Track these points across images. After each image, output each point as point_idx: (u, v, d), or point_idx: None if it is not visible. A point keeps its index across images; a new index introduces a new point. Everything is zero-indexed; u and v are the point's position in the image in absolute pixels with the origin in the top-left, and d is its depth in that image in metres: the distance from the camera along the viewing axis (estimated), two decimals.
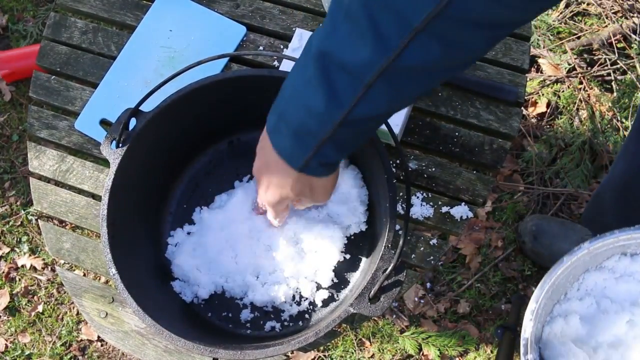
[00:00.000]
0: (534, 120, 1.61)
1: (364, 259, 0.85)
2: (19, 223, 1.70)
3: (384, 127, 0.71)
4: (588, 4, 1.70)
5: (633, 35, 1.62)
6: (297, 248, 0.84)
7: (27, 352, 1.58)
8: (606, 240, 0.71)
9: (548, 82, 1.63)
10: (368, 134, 0.62)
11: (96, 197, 0.99)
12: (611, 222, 1.18)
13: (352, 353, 1.49)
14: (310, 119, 0.56)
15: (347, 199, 0.84)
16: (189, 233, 0.87)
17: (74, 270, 1.42)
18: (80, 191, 1.00)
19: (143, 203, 0.85)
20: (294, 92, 0.57)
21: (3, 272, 1.65)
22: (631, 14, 1.65)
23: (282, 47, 1.00)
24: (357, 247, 0.85)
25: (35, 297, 1.63)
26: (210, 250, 0.85)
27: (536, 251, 1.44)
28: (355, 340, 1.50)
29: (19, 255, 1.67)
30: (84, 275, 1.43)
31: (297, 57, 0.75)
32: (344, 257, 0.84)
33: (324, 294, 0.83)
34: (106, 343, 1.57)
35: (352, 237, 0.85)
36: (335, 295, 0.84)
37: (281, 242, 0.83)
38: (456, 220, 0.90)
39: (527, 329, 0.70)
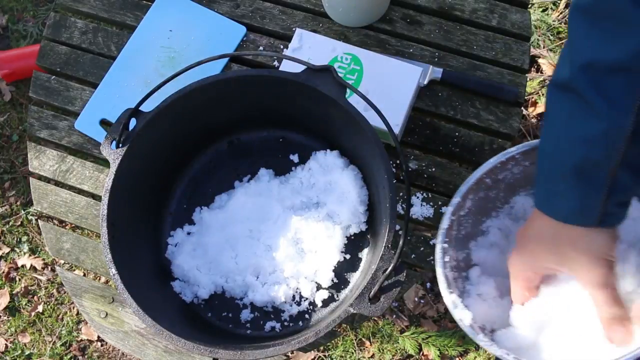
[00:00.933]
0: (534, 120, 1.61)
1: (364, 259, 0.85)
2: (19, 223, 1.70)
3: (383, 127, 0.71)
4: None
5: None
6: (297, 248, 0.84)
7: (27, 352, 1.58)
8: (533, 144, 0.68)
9: (548, 82, 1.63)
10: None
11: (96, 197, 0.99)
12: None
13: (352, 353, 1.49)
14: (592, 149, 0.46)
15: (347, 199, 0.84)
16: (189, 233, 0.87)
17: (74, 270, 1.42)
18: (80, 191, 1.00)
19: (143, 203, 0.85)
20: (558, 140, 0.48)
21: (3, 272, 1.65)
22: None
23: (282, 47, 1.00)
24: (357, 247, 0.85)
25: (35, 297, 1.63)
26: (210, 250, 0.85)
27: None
28: (355, 340, 1.50)
29: (19, 255, 1.67)
30: (84, 275, 1.43)
31: (297, 58, 0.76)
32: (344, 257, 0.84)
33: (324, 294, 0.83)
34: (106, 343, 1.57)
35: (352, 237, 0.85)
36: (335, 296, 0.84)
37: (281, 242, 0.83)
38: None
39: (445, 221, 0.69)
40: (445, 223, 0.70)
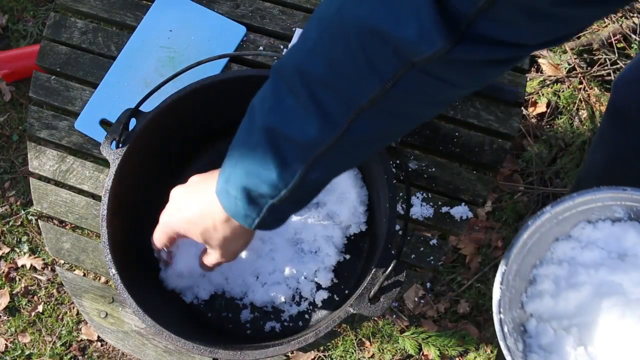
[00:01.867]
0: (534, 120, 1.61)
1: (363, 259, 0.85)
2: (19, 223, 1.70)
3: None
4: None
5: (633, 35, 1.62)
6: (296, 248, 0.84)
7: (27, 352, 1.58)
8: (566, 203, 0.72)
9: (548, 82, 1.63)
10: (322, 187, 0.59)
11: (96, 197, 0.99)
12: None
13: (352, 353, 1.49)
14: (262, 185, 0.54)
15: (347, 199, 0.84)
16: None
17: (74, 270, 1.42)
18: (80, 191, 1.00)
19: (143, 203, 0.85)
20: (246, 165, 0.55)
21: (3, 272, 1.65)
22: (631, 14, 1.65)
23: (282, 47, 1.00)
24: (357, 247, 0.85)
25: (35, 297, 1.63)
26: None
27: None
28: (355, 340, 1.50)
29: (19, 255, 1.67)
30: (84, 275, 1.43)
31: None
32: (344, 257, 0.84)
33: (323, 294, 0.83)
34: (106, 343, 1.57)
35: (352, 237, 0.85)
36: (335, 296, 0.84)
37: (281, 242, 0.83)
38: (456, 221, 0.90)
39: (496, 292, 0.71)
40: (497, 294, 0.71)
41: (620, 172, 0.99)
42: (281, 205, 0.56)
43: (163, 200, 0.90)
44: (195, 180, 0.67)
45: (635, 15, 1.65)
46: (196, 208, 0.63)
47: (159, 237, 0.70)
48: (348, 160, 0.55)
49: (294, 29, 1.00)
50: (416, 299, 1.50)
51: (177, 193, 0.67)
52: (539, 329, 0.74)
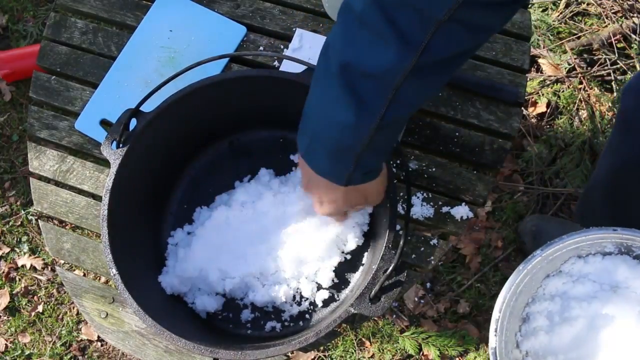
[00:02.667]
0: (534, 120, 1.61)
1: (364, 259, 0.85)
2: (19, 223, 1.70)
3: None
4: (588, 4, 1.70)
5: (633, 35, 1.62)
6: (297, 248, 0.84)
7: (27, 352, 1.58)
8: (556, 245, 0.73)
9: (548, 82, 1.63)
10: (401, 130, 0.62)
11: (96, 198, 0.99)
12: (601, 221, 1.18)
13: (352, 353, 1.49)
14: (344, 135, 0.55)
15: None
16: (189, 233, 0.87)
17: (74, 270, 1.42)
18: (80, 191, 1.00)
19: (143, 203, 0.85)
20: (321, 112, 0.56)
21: (3, 272, 1.65)
22: (631, 14, 1.65)
23: (282, 47, 1.00)
24: (357, 247, 0.85)
25: (35, 297, 1.63)
26: (210, 250, 0.85)
27: None
28: (356, 340, 1.50)
29: (19, 255, 1.67)
30: (84, 275, 1.43)
31: (297, 58, 0.76)
32: (345, 258, 0.84)
33: (324, 294, 0.83)
34: (106, 343, 1.57)
35: (353, 237, 0.85)
36: (335, 296, 0.84)
37: (282, 242, 0.83)
38: (456, 221, 0.90)
39: (492, 340, 0.72)
40: (492, 342, 0.72)
41: (626, 180, 0.99)
42: (365, 155, 0.56)
43: (163, 200, 0.90)
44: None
45: (635, 15, 1.65)
46: (303, 170, 0.67)
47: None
48: (425, 89, 0.54)
49: (294, 29, 1.00)
50: (416, 299, 1.50)
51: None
52: None
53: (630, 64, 1.60)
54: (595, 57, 1.64)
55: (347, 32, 0.51)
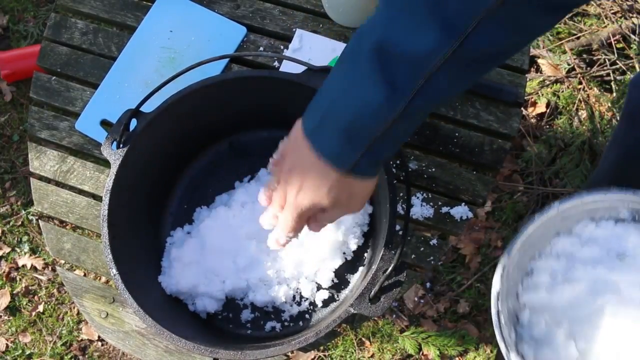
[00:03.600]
0: (533, 121, 1.61)
1: (364, 260, 0.85)
2: (20, 223, 1.70)
3: None
4: (587, 5, 1.70)
5: (632, 36, 1.62)
6: (297, 249, 0.84)
7: (28, 352, 1.59)
8: (574, 201, 0.73)
9: (548, 83, 1.63)
10: (418, 124, 0.58)
11: (97, 198, 0.99)
12: None
13: (352, 353, 1.49)
14: (366, 115, 0.52)
15: None
16: (189, 233, 0.87)
17: (75, 270, 1.42)
18: (80, 192, 1.00)
19: (144, 203, 0.85)
20: (343, 90, 0.54)
21: (4, 272, 1.66)
22: (630, 15, 1.65)
23: (282, 47, 1.00)
24: (357, 247, 0.85)
25: (36, 297, 1.64)
26: (210, 250, 0.85)
27: None
28: (355, 339, 1.50)
29: (19, 255, 1.67)
30: (85, 275, 1.43)
31: (297, 58, 0.76)
32: (345, 258, 0.84)
33: (324, 294, 0.84)
34: (106, 343, 1.58)
35: (353, 238, 0.85)
36: (335, 296, 0.84)
37: None
38: (456, 221, 0.90)
39: (496, 283, 0.72)
40: (496, 286, 0.72)
41: (631, 172, 0.99)
42: (380, 141, 0.54)
43: (163, 200, 0.90)
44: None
45: (634, 15, 1.65)
46: (291, 154, 0.62)
47: None
48: (455, 84, 0.53)
49: (294, 30, 1.00)
50: (416, 299, 1.50)
51: None
52: (532, 320, 0.75)
53: (630, 64, 1.60)
54: (595, 58, 1.64)
55: (389, 11, 0.50)
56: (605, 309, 0.72)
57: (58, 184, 1.01)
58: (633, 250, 0.74)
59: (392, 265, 0.66)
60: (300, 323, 0.84)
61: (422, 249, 0.89)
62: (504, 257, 0.72)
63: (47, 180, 1.02)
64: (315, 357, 1.50)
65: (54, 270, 1.65)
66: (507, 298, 0.74)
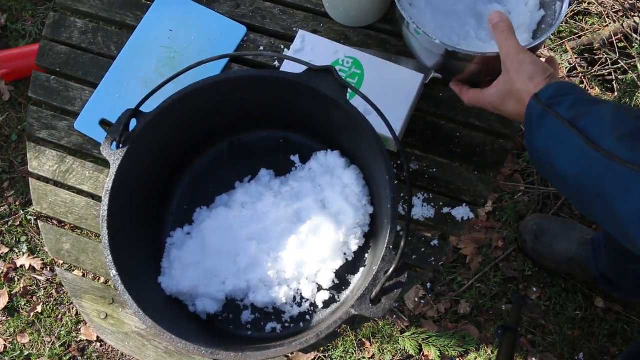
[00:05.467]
0: None
1: (365, 260, 0.85)
2: (18, 223, 1.70)
3: (383, 132, 0.70)
4: (589, 4, 1.70)
5: (634, 35, 1.61)
6: (298, 249, 0.83)
7: (26, 353, 1.58)
8: None
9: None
10: None
11: (96, 198, 0.98)
12: None
13: (353, 353, 1.49)
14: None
15: (349, 200, 0.83)
16: (189, 234, 0.87)
17: (74, 271, 1.42)
18: (80, 192, 0.99)
19: (143, 204, 0.85)
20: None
21: (2, 273, 1.65)
22: (632, 14, 1.65)
23: (282, 47, 1.00)
24: (358, 248, 0.85)
25: (35, 298, 1.63)
26: (210, 250, 0.84)
27: (537, 250, 1.44)
28: (356, 340, 1.50)
29: (18, 256, 1.67)
30: (84, 276, 1.43)
31: (297, 58, 0.75)
32: (346, 259, 0.84)
33: (324, 295, 0.83)
34: (105, 344, 1.57)
35: (354, 238, 0.85)
36: (336, 297, 0.84)
37: (282, 242, 0.83)
38: (457, 221, 0.89)
39: None
40: None
41: None
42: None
43: (163, 201, 0.90)
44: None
45: (636, 14, 1.65)
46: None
47: None
48: None
49: (294, 29, 1.00)
50: (417, 300, 1.50)
51: None
52: None
53: (632, 64, 1.60)
54: (596, 57, 1.64)
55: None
56: None
57: (57, 184, 1.00)
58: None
59: (393, 266, 0.66)
60: (301, 324, 0.83)
61: (423, 249, 0.89)
62: None
63: (46, 180, 1.01)
64: (315, 357, 1.50)
65: (52, 270, 1.65)
66: None
